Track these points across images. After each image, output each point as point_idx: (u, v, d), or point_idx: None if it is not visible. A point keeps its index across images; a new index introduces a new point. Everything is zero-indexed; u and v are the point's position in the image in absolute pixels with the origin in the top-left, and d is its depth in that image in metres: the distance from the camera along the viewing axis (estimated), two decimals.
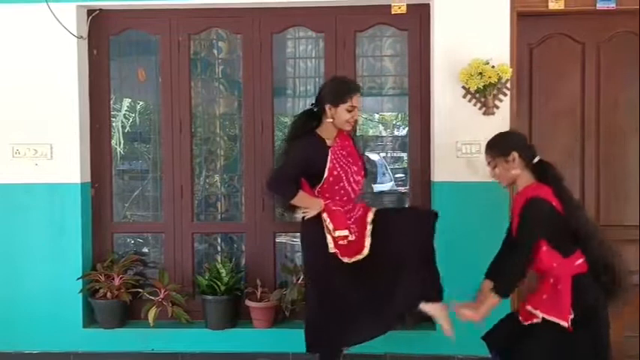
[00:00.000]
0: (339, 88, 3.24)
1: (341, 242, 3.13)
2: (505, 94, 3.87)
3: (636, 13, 3.87)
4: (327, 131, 3.25)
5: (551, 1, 3.87)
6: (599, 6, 3.87)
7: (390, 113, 4.72)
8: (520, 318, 2.97)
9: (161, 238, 4.35)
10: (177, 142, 4.24)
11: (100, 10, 4.15)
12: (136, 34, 4.29)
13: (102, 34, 4.21)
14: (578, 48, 4.03)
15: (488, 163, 3.01)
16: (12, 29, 4.05)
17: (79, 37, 4.07)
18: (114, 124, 4.37)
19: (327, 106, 3.22)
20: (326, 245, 3.15)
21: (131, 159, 4.51)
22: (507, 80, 3.81)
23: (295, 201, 3.18)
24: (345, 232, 3.13)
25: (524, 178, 2.92)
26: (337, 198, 3.20)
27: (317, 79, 4.30)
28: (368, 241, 3.16)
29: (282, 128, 4.44)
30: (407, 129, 4.26)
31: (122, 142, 4.47)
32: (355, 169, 3.25)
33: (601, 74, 4.02)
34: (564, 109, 4.01)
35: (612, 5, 3.87)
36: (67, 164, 4.07)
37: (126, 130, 4.51)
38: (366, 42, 4.27)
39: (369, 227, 3.20)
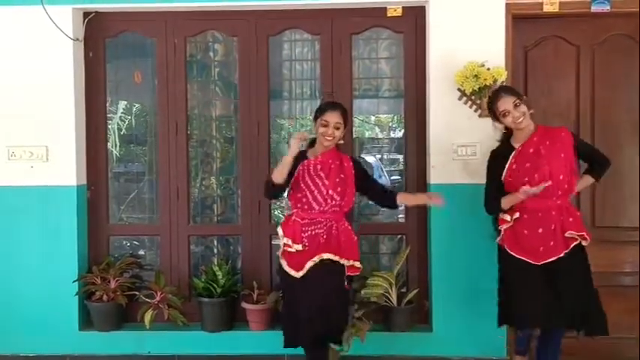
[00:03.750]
0: (319, 106, 3.58)
1: (287, 249, 3.37)
2: None
3: (630, 15, 3.90)
4: (314, 148, 3.48)
5: (546, 3, 3.90)
6: (594, 9, 3.90)
7: (385, 115, 4.73)
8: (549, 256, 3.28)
9: (157, 240, 4.35)
10: (173, 144, 4.24)
11: (96, 12, 4.15)
12: (132, 37, 4.29)
13: (98, 36, 4.21)
14: (573, 50, 4.05)
15: (515, 103, 3.31)
16: (8, 31, 4.05)
17: (75, 40, 4.07)
18: (110, 126, 4.36)
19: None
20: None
21: (127, 161, 4.50)
22: (502, 82, 3.82)
23: (274, 176, 3.31)
24: (289, 241, 3.35)
25: (530, 122, 3.38)
26: (299, 205, 3.39)
27: (313, 82, 4.31)
28: (307, 266, 3.32)
29: (278, 130, 4.45)
30: (403, 131, 4.28)
31: (118, 144, 4.46)
32: (327, 183, 3.36)
33: (595, 76, 4.04)
34: (559, 110, 4.02)
35: (607, 8, 3.89)
36: (62, 167, 4.07)
37: (122, 133, 4.50)
38: (362, 44, 4.28)
39: (312, 262, 3.32)
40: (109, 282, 4.08)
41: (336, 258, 3.35)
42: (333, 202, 3.37)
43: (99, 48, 4.23)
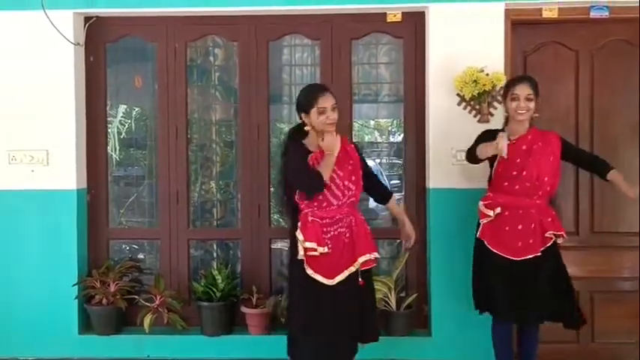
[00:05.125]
0: (305, 95, 3.22)
1: (311, 253, 3.10)
2: (499, 102, 3.89)
3: (628, 21, 3.91)
4: (311, 141, 3.22)
5: (545, 9, 3.92)
6: (593, 14, 3.91)
7: (385, 120, 4.73)
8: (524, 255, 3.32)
9: (157, 244, 4.36)
10: (173, 148, 4.25)
11: (97, 17, 4.17)
12: (132, 41, 4.30)
13: (99, 40, 4.23)
14: (572, 56, 4.06)
15: (528, 96, 3.35)
16: (9, 36, 4.06)
17: (76, 44, 4.08)
18: (110, 130, 4.37)
19: (302, 116, 3.20)
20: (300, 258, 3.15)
21: (127, 165, 4.51)
22: (502, 88, 3.83)
23: (324, 175, 3.09)
24: (314, 245, 3.08)
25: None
26: (315, 204, 3.14)
27: None
28: (340, 277, 3.13)
29: (277, 135, 4.45)
30: (402, 135, 4.29)
31: (118, 148, 4.47)
32: (342, 174, 3.17)
33: (594, 82, 4.05)
34: (558, 116, 4.03)
35: (605, 14, 3.90)
36: (63, 170, 4.07)
37: (122, 137, 4.51)
38: (362, 49, 4.29)
39: (353, 268, 3.16)
40: (109, 286, 4.08)
41: (373, 256, 3.22)
42: (350, 192, 3.19)
43: (99, 52, 4.25)
